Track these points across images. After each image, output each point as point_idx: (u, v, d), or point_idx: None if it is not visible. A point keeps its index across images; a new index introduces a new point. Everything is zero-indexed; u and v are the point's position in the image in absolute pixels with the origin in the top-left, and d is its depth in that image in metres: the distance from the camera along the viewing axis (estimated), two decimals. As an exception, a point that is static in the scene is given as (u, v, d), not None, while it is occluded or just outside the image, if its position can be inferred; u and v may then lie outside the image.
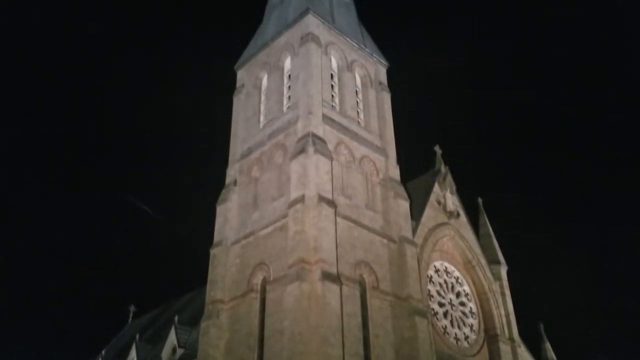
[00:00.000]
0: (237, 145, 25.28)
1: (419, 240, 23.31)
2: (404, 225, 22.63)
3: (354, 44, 26.60)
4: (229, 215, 23.36)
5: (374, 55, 27.40)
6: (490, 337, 25.03)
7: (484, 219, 28.84)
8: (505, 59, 64.27)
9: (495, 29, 66.31)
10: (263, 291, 20.58)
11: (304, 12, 25.16)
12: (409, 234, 22.59)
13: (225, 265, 22.30)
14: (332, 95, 24.29)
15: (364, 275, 20.42)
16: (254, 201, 22.97)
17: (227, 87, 27.98)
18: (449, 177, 26.85)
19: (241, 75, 27.64)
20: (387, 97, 26.38)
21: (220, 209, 23.81)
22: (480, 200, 29.41)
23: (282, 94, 24.79)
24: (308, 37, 24.20)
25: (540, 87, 64.72)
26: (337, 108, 24.06)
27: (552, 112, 64.02)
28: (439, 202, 25.93)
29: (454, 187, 27.01)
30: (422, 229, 24.04)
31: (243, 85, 27.06)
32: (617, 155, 54.98)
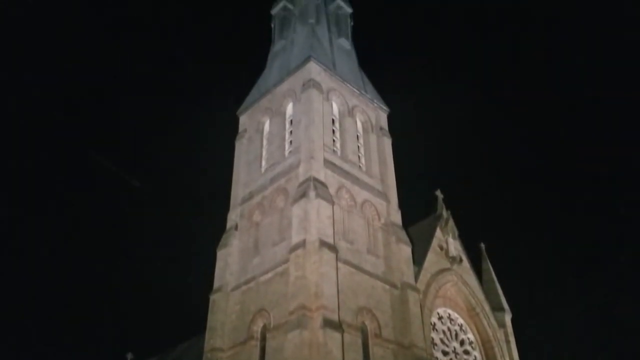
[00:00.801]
0: (239, 189, 25.31)
1: (421, 286, 22.99)
2: (406, 270, 22.37)
3: (355, 90, 27.03)
4: (230, 260, 23.15)
5: (375, 101, 27.80)
6: (496, 386, 24.33)
7: (487, 265, 28.53)
8: (508, 103, 65.09)
9: (497, 74, 67.39)
10: (263, 339, 20.14)
11: (306, 60, 25.68)
12: (411, 280, 22.31)
13: (225, 312, 21.93)
14: (334, 140, 24.49)
15: (366, 322, 20.04)
16: (255, 246, 22.80)
17: (229, 132, 28.32)
18: (451, 222, 26.72)
19: (243, 120, 27.96)
20: (388, 142, 26.61)
21: (220, 254, 23.61)
22: (482, 245, 29.19)
23: (284, 139, 25.01)
24: (310, 84, 24.61)
25: (543, 131, 65.20)
26: (339, 153, 24.22)
27: (555, 157, 64.29)
28: (441, 247, 25.72)
29: (456, 232, 26.85)
30: (425, 275, 23.74)
31: (245, 130, 27.33)
32: (626, 202, 54.76)
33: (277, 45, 29.71)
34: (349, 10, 31.03)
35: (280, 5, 30.64)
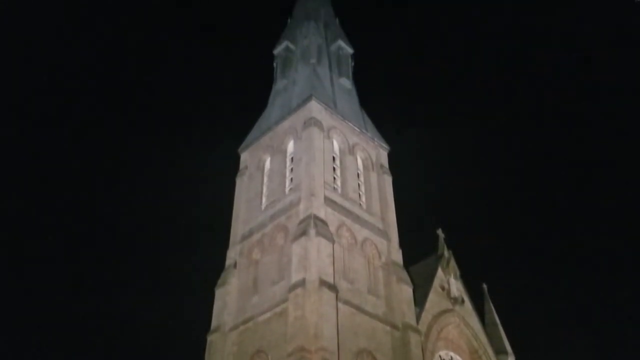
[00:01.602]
0: (239, 226, 25.12)
1: (423, 327, 22.51)
2: (408, 311, 21.97)
3: (356, 128, 27.19)
4: (228, 300, 22.75)
5: (375, 139, 27.93)
6: None
7: (490, 306, 28.03)
8: (510, 141, 65.26)
9: (498, 112, 67.96)
10: (260, 381, 19.61)
11: (307, 98, 25.92)
12: (412, 321, 21.88)
13: (223, 353, 21.40)
14: (334, 178, 24.48)
15: (367, 365, 19.53)
16: (254, 285, 22.45)
17: (230, 169, 28.33)
18: (453, 262, 26.40)
19: (245, 157, 28.03)
20: (388, 180, 26.59)
21: (219, 293, 23.23)
22: (485, 286, 28.76)
23: (284, 176, 25.00)
24: (311, 122, 24.77)
25: (548, 169, 65.29)
26: (339, 190, 24.16)
27: (560, 196, 64.15)
28: (442, 288, 25.32)
29: (458, 272, 26.49)
30: (426, 316, 23.29)
31: (246, 167, 27.35)
32: (630, 244, 54.38)
33: (279, 84, 30.06)
34: (350, 50, 31.54)
35: (283, 45, 31.15)
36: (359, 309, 20.68)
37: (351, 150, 26.26)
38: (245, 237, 24.37)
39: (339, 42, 31.11)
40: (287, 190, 24.31)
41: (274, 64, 31.31)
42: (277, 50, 31.42)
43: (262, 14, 71.17)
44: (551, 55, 63.83)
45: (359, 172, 26.20)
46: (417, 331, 21.68)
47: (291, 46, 31.01)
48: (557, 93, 65.39)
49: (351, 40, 32.25)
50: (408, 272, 23.66)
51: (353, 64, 31.44)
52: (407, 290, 22.58)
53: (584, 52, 58.69)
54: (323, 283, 19.52)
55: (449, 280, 25.72)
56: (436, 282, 25.17)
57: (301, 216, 21.92)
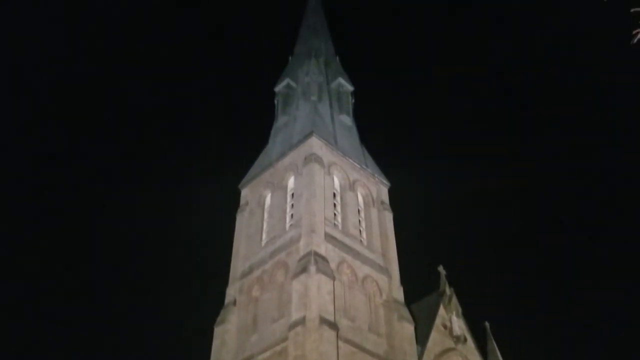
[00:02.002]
0: (239, 263, 24.95)
1: (425, 367, 22.11)
2: (409, 350, 21.58)
3: (356, 165, 27.31)
4: (227, 338, 22.38)
5: (376, 175, 28.02)
6: None
7: (492, 345, 27.56)
8: (512, 176, 65.40)
9: (499, 149, 68.15)
10: (259, 423, 19.13)
11: (308, 135, 26.14)
12: (414, 360, 21.46)
13: (220, 393, 20.94)
14: (335, 214, 24.44)
15: (368, 406, 19.09)
16: (254, 322, 22.14)
17: (230, 205, 28.32)
18: (455, 300, 26.07)
19: (245, 193, 28.05)
20: (389, 217, 26.54)
21: (217, 331, 22.88)
22: (487, 324, 28.34)
23: (285, 212, 24.97)
24: (311, 158, 24.90)
25: (550, 207, 65.07)
26: (340, 226, 24.09)
27: (565, 233, 63.88)
28: (445, 326, 24.95)
29: (460, 310, 26.15)
30: (428, 355, 22.86)
31: (247, 203, 27.35)
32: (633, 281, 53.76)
33: (279, 121, 30.35)
34: (351, 88, 31.97)
35: (284, 83, 31.60)
36: (359, 347, 20.33)
37: (352, 186, 26.31)
38: (245, 274, 24.17)
39: (340, 80, 31.58)
40: (287, 226, 24.25)
41: (275, 101, 31.69)
42: (279, 88, 31.85)
43: (264, 52, 72.46)
44: (556, 88, 64.49)
45: (359, 208, 26.18)
46: (419, 371, 21.28)
47: (292, 83, 31.47)
48: (560, 127, 65.79)
49: (351, 77, 32.77)
50: (409, 309, 23.36)
51: (353, 101, 31.84)
52: (408, 329, 22.26)
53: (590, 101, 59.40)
54: (323, 321, 19.25)
55: (451, 318, 25.36)
56: (438, 320, 24.82)
57: (301, 253, 21.79)
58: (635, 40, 5.08)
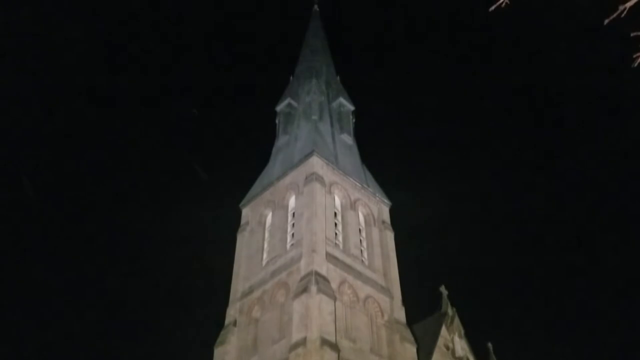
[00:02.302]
0: (239, 283, 24.78)
1: (427, 389, 21.83)
2: (412, 372, 21.32)
3: (357, 184, 27.28)
4: (227, 359, 22.15)
5: (377, 194, 27.97)
6: None
7: (496, 366, 27.23)
8: (514, 196, 65.31)
9: (501, 167, 68.16)
10: None
11: (309, 154, 26.16)
12: (417, 382, 21.19)
13: (220, 416, 20.64)
14: (336, 234, 24.33)
15: None
16: (254, 343, 21.92)
17: (231, 225, 28.22)
18: (457, 320, 25.81)
19: (246, 212, 27.99)
20: (390, 236, 26.42)
21: (217, 352, 22.64)
22: (490, 345, 28.01)
23: (285, 232, 24.87)
24: (312, 177, 24.89)
25: (552, 226, 64.84)
26: (341, 246, 23.97)
27: (567, 251, 63.50)
28: (447, 347, 24.66)
29: (462, 331, 25.87)
30: (431, 377, 22.60)
31: (247, 223, 27.27)
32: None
33: (280, 140, 30.41)
34: (351, 107, 32.08)
35: (285, 102, 31.74)
36: (361, 369, 20.08)
37: (353, 205, 26.25)
38: (245, 294, 23.99)
39: (340, 99, 31.72)
40: (288, 245, 24.14)
41: (277, 121, 31.80)
42: (280, 107, 31.98)
43: (265, 72, 72.91)
44: (560, 107, 64.56)
45: (360, 227, 26.08)
46: (421, 393, 20.99)
47: (293, 103, 31.61)
48: (563, 144, 65.81)
49: (352, 97, 32.92)
50: (411, 330, 23.14)
51: (354, 120, 31.94)
52: (410, 350, 22.02)
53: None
54: (325, 342, 19.05)
55: (453, 339, 25.08)
56: (440, 341, 24.53)
57: (302, 273, 21.65)
58: (637, 64, 5.10)
